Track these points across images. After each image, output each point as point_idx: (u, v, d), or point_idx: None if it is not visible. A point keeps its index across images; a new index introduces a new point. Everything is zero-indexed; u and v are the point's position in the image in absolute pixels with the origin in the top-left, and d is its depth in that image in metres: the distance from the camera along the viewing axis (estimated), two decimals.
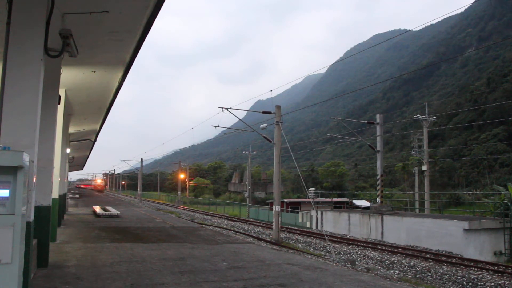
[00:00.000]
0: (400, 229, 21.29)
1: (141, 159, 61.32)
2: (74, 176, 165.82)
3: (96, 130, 20.71)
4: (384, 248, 18.32)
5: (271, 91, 22.57)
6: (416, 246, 19.52)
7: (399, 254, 16.78)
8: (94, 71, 9.58)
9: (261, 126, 23.23)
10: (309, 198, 32.64)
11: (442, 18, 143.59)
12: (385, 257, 15.91)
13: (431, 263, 14.98)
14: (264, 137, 22.43)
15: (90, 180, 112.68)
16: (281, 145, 21.09)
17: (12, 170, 3.90)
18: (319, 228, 27.34)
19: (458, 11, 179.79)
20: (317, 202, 33.77)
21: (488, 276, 12.88)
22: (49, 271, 6.98)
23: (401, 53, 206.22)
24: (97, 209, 22.73)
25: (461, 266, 14.40)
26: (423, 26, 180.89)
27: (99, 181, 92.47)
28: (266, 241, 18.68)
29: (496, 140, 63.93)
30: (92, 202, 33.98)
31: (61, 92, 9.18)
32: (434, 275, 13.00)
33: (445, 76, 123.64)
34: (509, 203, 19.53)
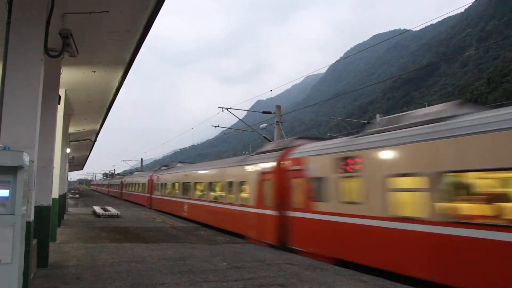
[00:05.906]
0: None
1: (141, 159, 61.33)
2: (74, 176, 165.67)
3: (96, 130, 20.72)
4: None
5: (271, 91, 22.64)
6: None
7: None
8: (94, 71, 9.58)
9: (261, 126, 23.24)
10: None
11: (442, 18, 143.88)
12: None
13: None
14: (264, 137, 22.42)
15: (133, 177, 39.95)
16: None
17: (12, 170, 3.91)
18: None
19: (458, 11, 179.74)
20: None
21: None
22: (49, 271, 6.97)
23: (401, 53, 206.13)
24: (97, 209, 22.72)
25: None
26: (423, 26, 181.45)
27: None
28: None
29: None
30: (92, 202, 33.97)
31: (61, 92, 9.18)
32: None
33: (445, 76, 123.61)
34: None
